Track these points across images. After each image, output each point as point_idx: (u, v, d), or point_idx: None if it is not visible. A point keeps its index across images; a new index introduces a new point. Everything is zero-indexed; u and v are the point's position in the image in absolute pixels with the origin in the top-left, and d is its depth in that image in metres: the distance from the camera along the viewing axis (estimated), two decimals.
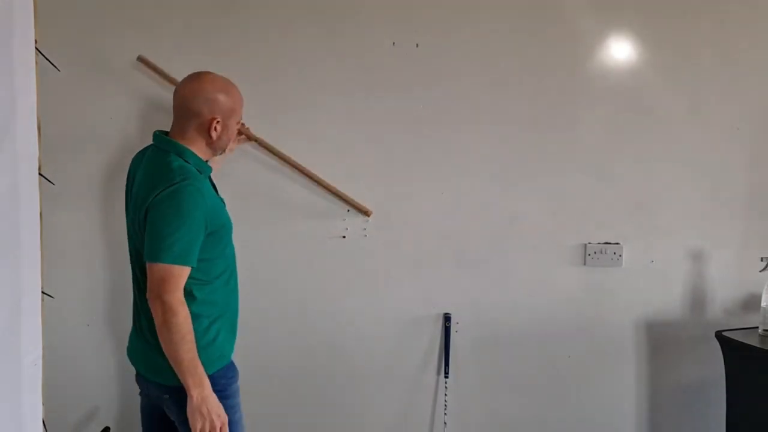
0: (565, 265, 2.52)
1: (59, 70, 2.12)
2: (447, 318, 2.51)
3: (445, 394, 2.52)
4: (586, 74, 2.45)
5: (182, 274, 1.78)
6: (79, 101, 2.38)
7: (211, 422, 1.79)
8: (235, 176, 2.43)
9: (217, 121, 1.88)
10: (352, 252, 2.47)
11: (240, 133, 2.23)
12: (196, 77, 1.92)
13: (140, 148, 2.40)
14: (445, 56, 2.43)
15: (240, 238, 2.44)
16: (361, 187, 2.44)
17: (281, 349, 2.52)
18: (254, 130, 2.37)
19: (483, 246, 2.50)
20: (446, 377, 2.52)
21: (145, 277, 1.83)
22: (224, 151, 2.01)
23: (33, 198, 1.33)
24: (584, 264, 2.51)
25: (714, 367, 2.44)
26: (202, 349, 1.82)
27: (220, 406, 1.82)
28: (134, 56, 2.38)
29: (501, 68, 2.44)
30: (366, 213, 2.44)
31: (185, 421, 1.84)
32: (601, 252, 2.50)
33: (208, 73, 1.93)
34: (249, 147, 2.40)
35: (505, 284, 2.51)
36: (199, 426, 1.78)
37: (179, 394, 1.83)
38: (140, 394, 2.04)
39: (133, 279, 1.96)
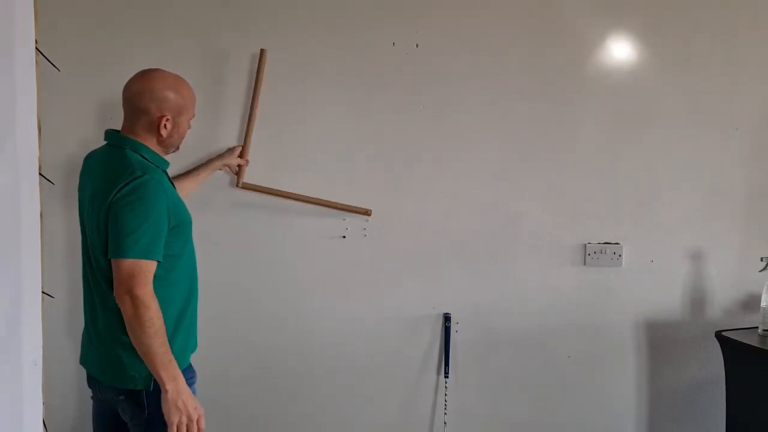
0: (565, 265, 2.52)
1: (59, 70, 2.11)
2: (447, 318, 2.51)
3: (445, 394, 2.52)
4: (587, 74, 2.45)
5: (150, 268, 1.76)
6: (79, 101, 2.38)
7: (188, 415, 1.77)
8: (234, 176, 2.44)
9: (167, 119, 1.86)
10: (352, 252, 2.47)
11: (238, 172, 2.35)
12: (144, 74, 1.89)
13: None
14: (445, 56, 2.43)
15: (239, 239, 2.45)
16: (361, 186, 2.44)
17: (281, 349, 2.51)
18: (253, 132, 2.38)
19: (483, 246, 2.50)
20: (446, 377, 2.52)
21: (104, 276, 1.81)
22: (177, 149, 1.99)
23: (33, 198, 1.32)
24: (584, 264, 2.51)
25: (714, 367, 2.44)
26: None
27: (195, 398, 1.81)
28: (134, 56, 2.38)
29: (501, 68, 2.44)
30: (366, 213, 2.44)
31: (139, 424, 1.84)
32: (601, 252, 2.50)
33: (157, 70, 1.91)
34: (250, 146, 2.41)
35: (505, 284, 2.51)
36: (176, 420, 1.75)
37: (133, 397, 1.82)
38: (92, 398, 1.99)
39: (86, 279, 1.92)
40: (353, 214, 2.45)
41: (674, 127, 2.47)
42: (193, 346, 1.98)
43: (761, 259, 2.38)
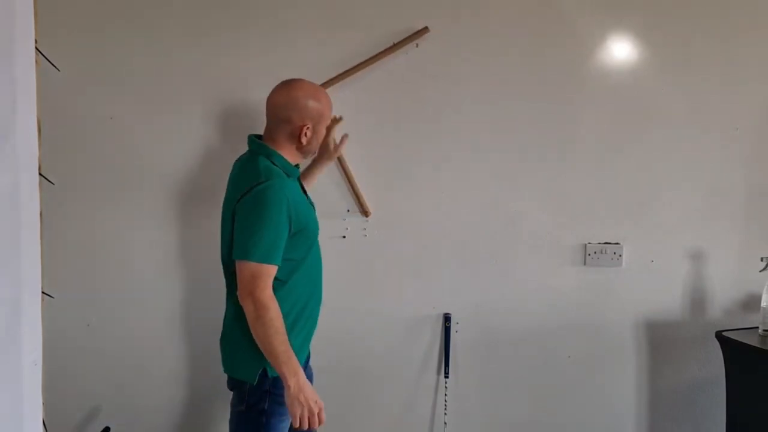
0: (565, 265, 2.51)
1: (59, 70, 2.11)
2: (447, 318, 2.51)
3: (445, 394, 2.52)
4: (587, 74, 2.45)
5: (270, 272, 1.85)
6: (79, 101, 2.38)
7: (310, 409, 1.87)
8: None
9: (308, 128, 1.96)
10: (352, 252, 2.47)
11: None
12: (286, 85, 1.99)
13: (141, 148, 2.43)
14: (445, 56, 2.43)
15: None
16: (361, 186, 2.44)
17: None
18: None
19: (483, 246, 2.50)
20: (446, 377, 2.52)
21: (228, 270, 1.95)
22: (314, 153, 2.13)
23: (33, 198, 1.32)
24: (584, 264, 2.51)
25: (714, 367, 2.44)
26: None
27: (315, 392, 1.90)
28: (134, 56, 2.38)
29: (501, 68, 2.44)
30: (366, 213, 2.44)
31: (235, 413, 1.97)
32: (601, 252, 2.50)
33: (298, 80, 2.00)
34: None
35: (505, 284, 2.51)
36: (298, 413, 1.85)
37: (239, 387, 1.96)
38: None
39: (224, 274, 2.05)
40: (353, 215, 2.45)
41: (674, 127, 2.47)
42: (306, 353, 2.08)
43: (761, 259, 2.38)
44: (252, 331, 1.85)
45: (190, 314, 2.49)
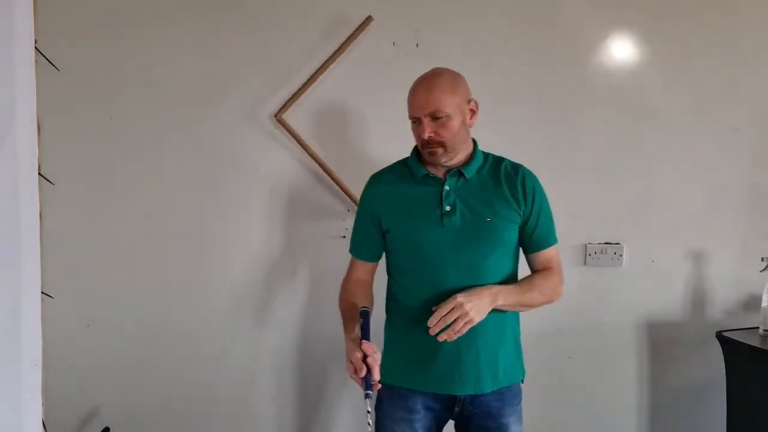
0: (565, 265, 2.49)
1: (59, 70, 2.12)
2: None
3: None
4: (587, 74, 2.45)
5: (353, 264, 1.97)
6: (79, 101, 2.38)
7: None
8: (234, 177, 2.44)
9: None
10: None
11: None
12: None
13: (141, 148, 2.43)
14: (445, 56, 2.42)
15: (240, 239, 2.45)
16: (361, 187, 2.44)
17: (281, 348, 2.52)
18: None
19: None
20: None
21: None
22: (427, 156, 1.93)
23: (33, 198, 1.33)
24: (584, 264, 2.51)
25: (714, 367, 2.44)
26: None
27: (353, 352, 1.76)
28: (134, 56, 2.38)
29: (501, 68, 2.44)
30: None
31: None
32: (602, 252, 2.50)
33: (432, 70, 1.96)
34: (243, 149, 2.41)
35: None
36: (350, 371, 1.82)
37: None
38: None
39: None
40: (353, 215, 2.44)
41: (674, 127, 2.47)
42: (407, 372, 1.90)
43: (762, 259, 2.38)
44: None
45: (190, 314, 2.49)
